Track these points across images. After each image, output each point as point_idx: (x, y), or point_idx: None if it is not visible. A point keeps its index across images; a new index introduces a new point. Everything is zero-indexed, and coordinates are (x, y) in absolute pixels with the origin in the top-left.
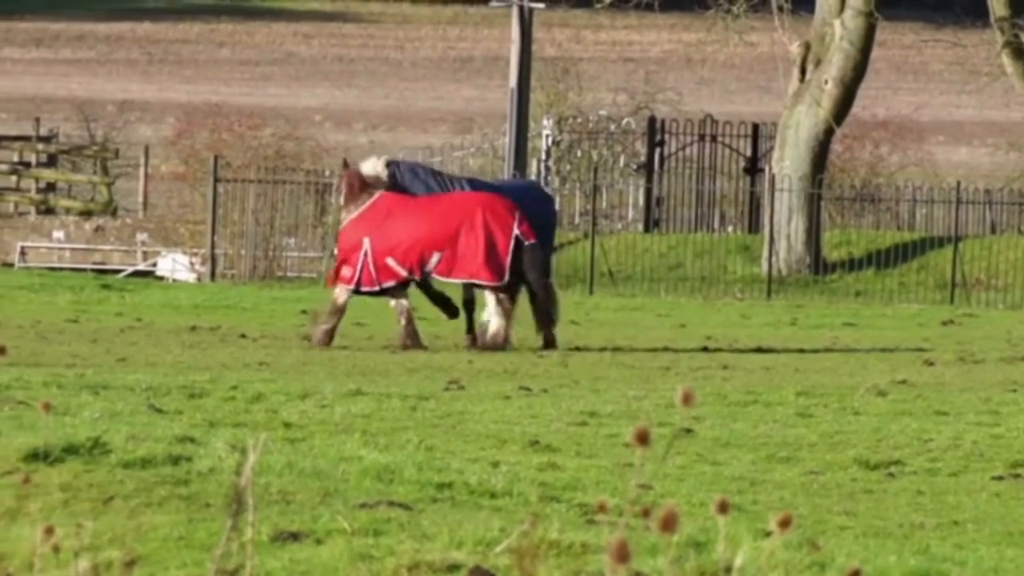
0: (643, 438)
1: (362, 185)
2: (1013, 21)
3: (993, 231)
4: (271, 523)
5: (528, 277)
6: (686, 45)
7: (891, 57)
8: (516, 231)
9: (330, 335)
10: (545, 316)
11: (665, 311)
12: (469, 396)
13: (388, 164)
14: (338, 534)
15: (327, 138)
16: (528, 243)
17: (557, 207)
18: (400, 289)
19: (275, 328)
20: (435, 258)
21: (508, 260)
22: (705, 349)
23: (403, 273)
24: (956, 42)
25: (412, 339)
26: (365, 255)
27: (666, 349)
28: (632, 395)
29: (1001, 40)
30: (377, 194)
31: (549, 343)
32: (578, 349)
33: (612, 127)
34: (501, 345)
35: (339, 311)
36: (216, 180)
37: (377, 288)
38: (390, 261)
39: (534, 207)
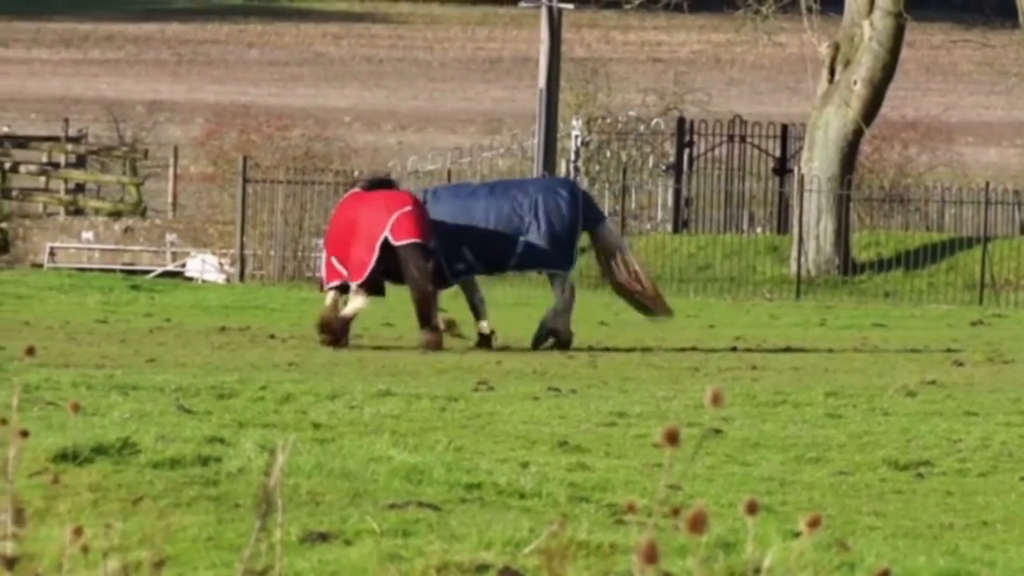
0: (673, 438)
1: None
2: None
3: (1022, 231)
4: (300, 524)
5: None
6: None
7: (920, 58)
8: (386, 232)
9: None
10: (420, 316)
11: (694, 312)
12: (498, 397)
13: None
14: (367, 535)
15: (356, 139)
16: (399, 243)
17: None
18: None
19: (304, 329)
20: (335, 261)
21: (371, 259)
22: (734, 349)
23: (344, 272)
24: (985, 43)
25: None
26: (324, 255)
27: (695, 349)
28: (661, 395)
29: None
30: (346, 195)
31: (425, 344)
32: (607, 349)
33: (641, 128)
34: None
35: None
36: (245, 181)
37: (326, 288)
38: (334, 261)
39: (536, 198)
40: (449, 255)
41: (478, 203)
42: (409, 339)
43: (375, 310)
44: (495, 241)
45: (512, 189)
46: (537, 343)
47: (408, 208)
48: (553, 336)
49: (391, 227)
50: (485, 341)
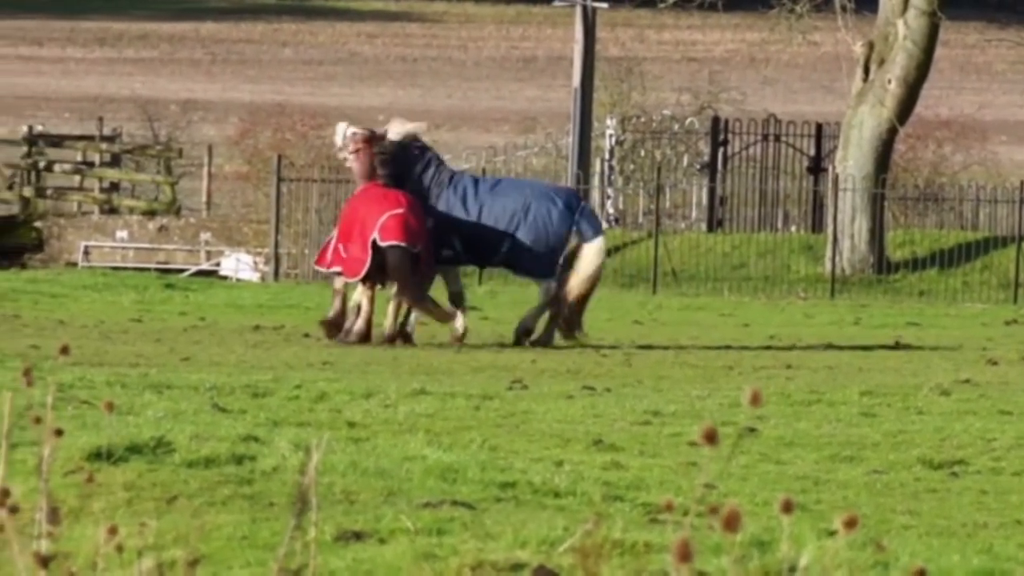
0: (711, 437)
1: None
2: None
3: None
4: (334, 522)
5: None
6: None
7: (954, 57)
8: (375, 233)
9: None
10: (422, 310)
11: (728, 311)
12: (533, 395)
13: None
14: (401, 533)
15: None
16: (385, 245)
17: (620, 206)
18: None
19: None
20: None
21: (367, 258)
22: (768, 348)
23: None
24: (1019, 42)
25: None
26: (331, 239)
27: (729, 348)
28: (696, 394)
29: None
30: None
31: (444, 322)
32: (642, 348)
33: (675, 127)
34: (354, 340)
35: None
36: (279, 180)
37: (329, 270)
38: (340, 248)
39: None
40: (439, 240)
41: (478, 198)
42: (443, 337)
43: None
44: (484, 236)
45: (512, 189)
46: (517, 341)
47: (400, 210)
48: (527, 335)
49: (379, 227)
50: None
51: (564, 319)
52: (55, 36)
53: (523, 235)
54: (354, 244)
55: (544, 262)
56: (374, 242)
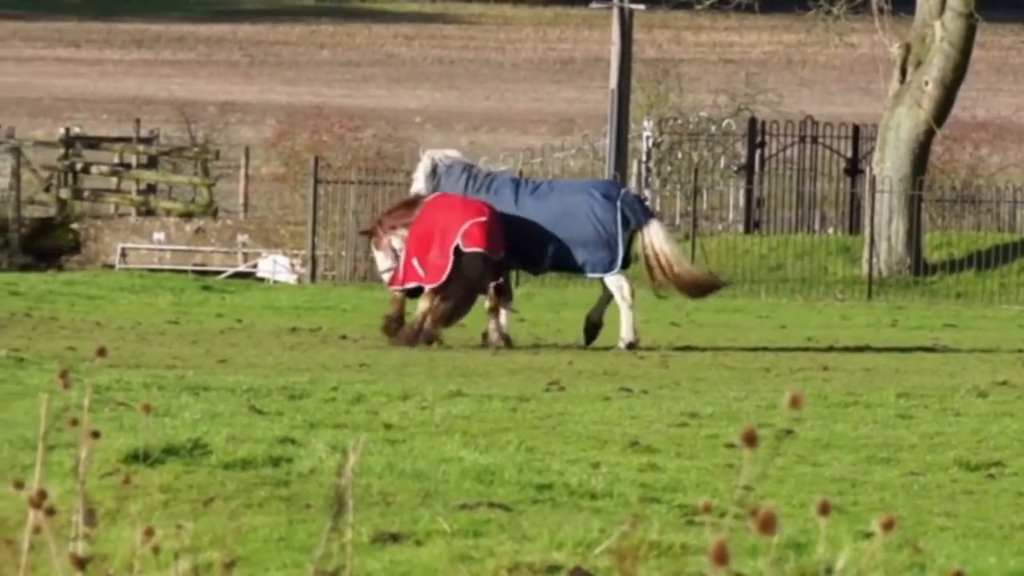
0: (750, 439)
1: (407, 205)
2: None
3: None
4: (371, 524)
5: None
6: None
7: (991, 58)
8: (458, 239)
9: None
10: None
11: (766, 312)
12: (569, 397)
13: (433, 161)
14: (438, 535)
15: (428, 139)
16: (467, 250)
17: (657, 208)
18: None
19: (375, 329)
20: (416, 263)
21: (448, 263)
22: (806, 350)
23: (422, 274)
24: None
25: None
26: (402, 255)
27: (766, 350)
28: (733, 396)
29: None
30: (431, 197)
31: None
32: (679, 350)
33: (712, 128)
34: (421, 339)
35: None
36: (316, 181)
37: (403, 288)
38: (415, 262)
39: (567, 205)
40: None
41: (519, 203)
42: (479, 338)
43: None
44: (529, 241)
45: (550, 191)
46: (589, 340)
47: (483, 218)
48: (596, 330)
49: (463, 234)
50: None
51: (702, 291)
52: (92, 38)
53: (568, 234)
54: (434, 251)
55: (603, 255)
56: (457, 248)
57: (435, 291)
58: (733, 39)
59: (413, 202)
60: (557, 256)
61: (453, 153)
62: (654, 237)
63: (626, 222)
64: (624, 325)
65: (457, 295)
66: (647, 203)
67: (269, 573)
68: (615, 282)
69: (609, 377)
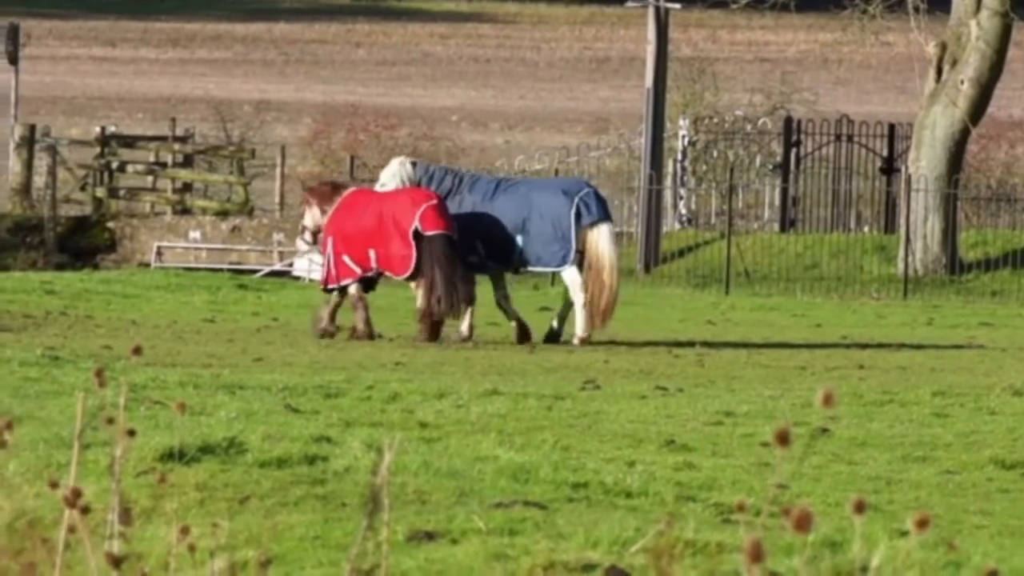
0: (784, 439)
1: (333, 188)
2: None
3: None
4: (407, 523)
5: (424, 267)
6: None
7: None
8: (416, 223)
9: (329, 334)
10: (444, 306)
11: (801, 311)
12: (605, 396)
13: (402, 163)
14: (473, 534)
15: (463, 138)
16: (428, 233)
17: (693, 206)
18: (367, 286)
19: (410, 328)
20: (372, 254)
21: (412, 251)
22: (841, 347)
23: (357, 271)
24: None
25: (364, 328)
26: (328, 255)
27: (802, 348)
28: (768, 394)
29: None
30: (345, 192)
31: (462, 337)
32: (714, 348)
33: (748, 127)
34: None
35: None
36: (352, 180)
37: (337, 286)
38: (346, 259)
39: (549, 200)
40: (464, 247)
41: (493, 200)
42: (508, 334)
43: (480, 311)
44: (501, 238)
45: (516, 188)
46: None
47: (434, 200)
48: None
49: (420, 218)
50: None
51: (598, 312)
52: (128, 37)
53: (533, 230)
54: (395, 243)
55: (555, 249)
56: (416, 232)
57: (421, 285)
58: (769, 38)
59: (336, 187)
60: (524, 253)
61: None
62: (600, 238)
63: (579, 217)
64: (579, 321)
65: (440, 279)
66: (606, 205)
67: (305, 571)
68: (569, 276)
69: (645, 376)
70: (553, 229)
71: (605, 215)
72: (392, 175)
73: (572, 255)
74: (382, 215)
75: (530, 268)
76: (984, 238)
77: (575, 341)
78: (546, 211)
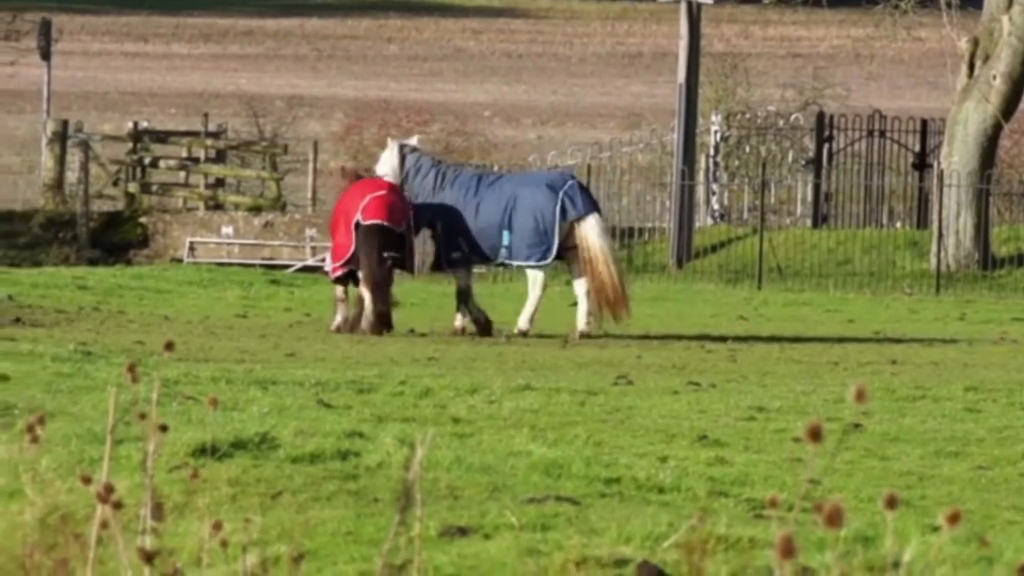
0: (815, 434)
1: (353, 177)
2: None
3: None
4: (439, 518)
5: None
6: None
7: None
8: (359, 213)
9: (350, 325)
10: (374, 294)
11: (833, 306)
12: (637, 391)
13: (401, 148)
14: (506, 529)
15: (496, 133)
16: (365, 223)
17: (725, 202)
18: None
19: (443, 323)
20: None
21: (351, 241)
22: (873, 341)
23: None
24: None
25: (345, 326)
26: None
27: (837, 340)
28: (800, 390)
29: None
30: (346, 185)
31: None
32: (746, 343)
33: (780, 123)
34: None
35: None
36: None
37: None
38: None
39: (531, 193)
40: (448, 243)
41: (477, 196)
42: (548, 333)
43: (511, 307)
44: (485, 233)
45: (502, 182)
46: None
47: (382, 192)
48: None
49: (362, 209)
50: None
51: (609, 305)
52: (160, 32)
53: (518, 226)
54: (339, 231)
55: (537, 248)
56: (357, 223)
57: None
58: (801, 33)
59: (356, 176)
60: (510, 248)
61: (414, 141)
62: (589, 231)
63: (564, 212)
64: (525, 313)
65: (364, 268)
66: (593, 196)
67: (337, 567)
68: (535, 274)
69: (677, 371)
70: (536, 224)
71: (592, 207)
72: (384, 162)
73: (552, 253)
74: (346, 206)
75: (514, 264)
76: (1017, 233)
77: (516, 331)
78: (531, 206)
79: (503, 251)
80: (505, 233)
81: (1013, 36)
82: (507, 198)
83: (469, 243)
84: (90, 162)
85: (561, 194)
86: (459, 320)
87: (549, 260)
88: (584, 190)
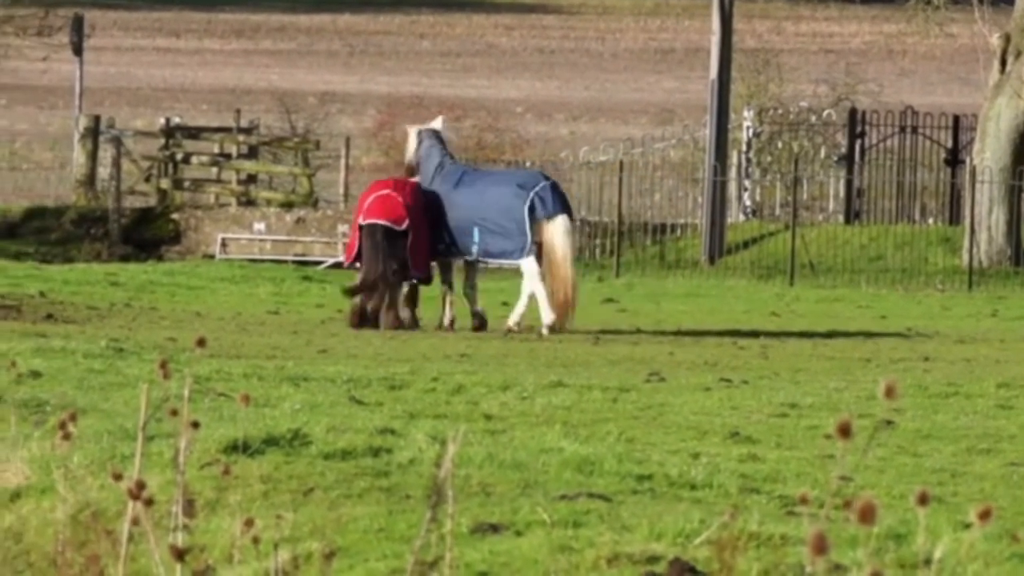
0: (845, 431)
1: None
2: None
3: None
4: (471, 515)
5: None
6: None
7: None
8: (361, 216)
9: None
10: (365, 291)
11: (866, 303)
12: (670, 388)
13: (419, 134)
14: (538, 526)
15: (528, 129)
16: (365, 223)
17: (757, 198)
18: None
19: (465, 320)
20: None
21: (355, 242)
22: (906, 339)
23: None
24: None
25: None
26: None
27: (870, 336)
28: (833, 386)
29: None
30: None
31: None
32: (779, 340)
33: (813, 118)
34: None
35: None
36: None
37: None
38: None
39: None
40: (435, 235)
41: (456, 190)
42: (581, 329)
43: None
44: (461, 227)
45: (477, 179)
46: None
47: (386, 191)
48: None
49: (365, 210)
50: (480, 323)
51: (558, 305)
52: (192, 28)
53: (489, 223)
54: (352, 232)
55: (516, 242)
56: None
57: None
58: (833, 29)
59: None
60: (483, 243)
61: (437, 124)
62: (555, 232)
63: (532, 210)
64: (516, 310)
65: (364, 269)
66: (565, 198)
67: (369, 563)
68: (527, 266)
69: (709, 368)
70: (508, 222)
71: (562, 208)
72: (407, 149)
73: (529, 247)
74: (360, 206)
75: (492, 260)
76: None
77: (543, 330)
78: (500, 205)
79: (474, 247)
80: (476, 229)
81: None
82: (478, 195)
83: (449, 235)
84: (122, 158)
85: (532, 193)
86: (449, 312)
87: (525, 256)
88: (557, 191)
